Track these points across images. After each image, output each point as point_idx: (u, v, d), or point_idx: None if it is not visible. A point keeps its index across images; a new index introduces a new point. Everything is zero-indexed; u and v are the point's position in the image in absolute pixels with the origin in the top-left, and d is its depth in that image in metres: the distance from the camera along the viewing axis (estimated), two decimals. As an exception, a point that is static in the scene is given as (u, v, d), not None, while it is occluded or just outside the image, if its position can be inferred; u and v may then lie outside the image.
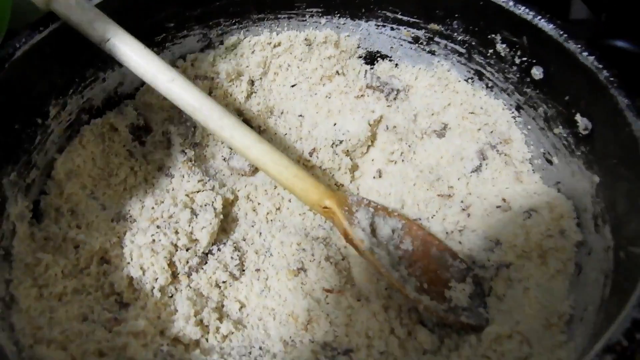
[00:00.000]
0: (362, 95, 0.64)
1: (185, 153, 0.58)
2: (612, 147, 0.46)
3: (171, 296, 0.50)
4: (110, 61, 0.56)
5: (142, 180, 0.57)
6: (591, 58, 0.47)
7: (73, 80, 0.53)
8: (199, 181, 0.56)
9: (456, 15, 0.57)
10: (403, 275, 0.50)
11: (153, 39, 0.58)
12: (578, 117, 0.50)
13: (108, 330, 0.43)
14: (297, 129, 0.63)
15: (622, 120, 0.44)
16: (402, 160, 0.62)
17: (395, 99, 0.63)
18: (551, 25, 0.49)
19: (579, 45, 0.48)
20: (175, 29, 0.59)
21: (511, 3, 0.51)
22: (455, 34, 0.58)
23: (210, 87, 0.61)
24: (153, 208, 0.54)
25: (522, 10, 0.51)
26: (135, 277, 0.49)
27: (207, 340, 0.48)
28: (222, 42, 0.62)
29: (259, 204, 0.59)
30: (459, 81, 0.61)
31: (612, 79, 0.45)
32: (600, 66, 0.46)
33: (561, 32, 0.49)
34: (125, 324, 0.44)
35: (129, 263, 0.49)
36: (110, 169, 0.56)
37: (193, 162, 0.58)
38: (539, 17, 0.50)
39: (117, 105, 0.59)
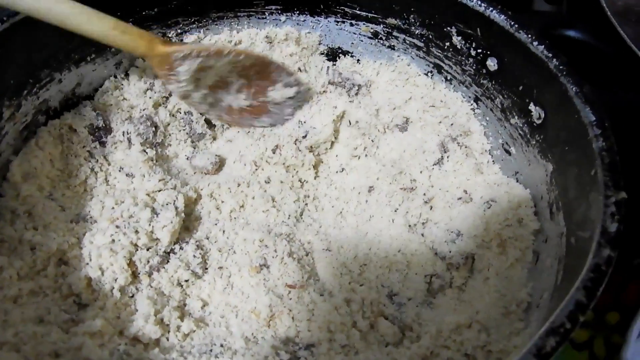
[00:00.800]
0: (324, 92, 0.64)
1: (146, 152, 0.57)
2: (563, 134, 0.47)
3: (132, 296, 0.50)
4: (66, 62, 0.56)
5: (103, 181, 0.56)
6: (541, 47, 0.48)
7: (27, 82, 0.53)
8: (160, 180, 0.56)
9: (412, 9, 0.57)
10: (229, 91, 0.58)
11: (110, 38, 0.57)
12: (532, 106, 0.51)
13: (65, 332, 0.43)
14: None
15: (571, 107, 0.44)
16: (366, 155, 0.62)
17: (357, 94, 0.64)
18: (502, 17, 0.50)
19: (529, 36, 0.48)
20: (133, 29, 0.58)
21: (463, -5, 0.52)
22: (413, 27, 0.59)
23: (172, 86, 0.61)
24: (113, 208, 0.53)
25: (474, 3, 0.52)
26: (93, 277, 0.48)
27: (167, 339, 0.48)
28: (182, 41, 0.62)
29: (222, 202, 0.58)
30: (419, 75, 0.62)
31: (561, 67, 0.46)
32: (550, 55, 0.47)
33: (512, 23, 0.49)
34: (82, 325, 0.43)
35: (87, 264, 0.49)
36: (70, 170, 0.55)
37: (154, 161, 0.58)
38: (491, 8, 0.51)
39: (76, 106, 0.58)
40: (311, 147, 0.62)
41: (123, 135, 0.58)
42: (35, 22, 0.47)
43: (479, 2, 0.52)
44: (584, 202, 0.41)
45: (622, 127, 0.44)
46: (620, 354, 0.47)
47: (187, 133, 0.62)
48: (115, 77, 0.60)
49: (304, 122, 0.63)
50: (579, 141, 0.43)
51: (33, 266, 0.47)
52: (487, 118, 0.58)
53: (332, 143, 0.63)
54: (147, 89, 0.60)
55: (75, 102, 0.58)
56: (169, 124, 0.60)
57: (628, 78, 0.53)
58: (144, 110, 0.59)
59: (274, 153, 0.61)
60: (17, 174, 0.51)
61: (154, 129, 0.59)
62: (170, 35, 0.62)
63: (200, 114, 0.61)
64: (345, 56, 0.66)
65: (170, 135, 0.60)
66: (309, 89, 0.61)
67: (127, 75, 0.61)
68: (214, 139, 0.63)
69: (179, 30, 0.62)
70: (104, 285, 0.48)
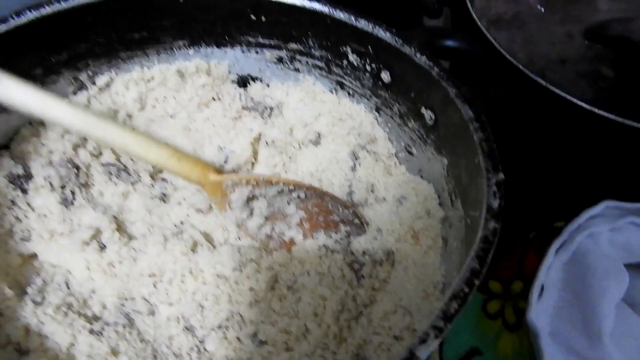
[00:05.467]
0: (239, 117, 0.68)
1: (73, 194, 0.59)
2: (451, 130, 0.53)
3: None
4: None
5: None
6: (423, 58, 0.54)
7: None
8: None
9: (309, 34, 0.62)
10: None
11: (21, 87, 0.58)
12: (423, 110, 0.57)
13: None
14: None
15: (454, 107, 0.51)
16: (285, 172, 0.66)
17: (270, 115, 0.68)
18: (388, 34, 0.56)
19: (412, 48, 0.55)
20: (43, 75, 0.60)
21: (352, 18, 0.58)
22: (313, 50, 0.64)
23: (89, 128, 0.62)
24: (43, 253, 0.54)
25: (362, 24, 0.58)
26: (32, 324, 0.49)
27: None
28: (94, 83, 0.64)
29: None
30: (324, 92, 0.67)
31: (441, 73, 0.53)
32: (431, 64, 0.53)
33: (397, 39, 0.56)
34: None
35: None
36: (-4, 219, 0.55)
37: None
38: (377, 27, 0.57)
39: (-2, 156, 0.58)
40: (234, 169, 0.65)
41: (44, 180, 0.59)
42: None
43: (367, 23, 0.58)
44: (473, 187, 0.48)
45: (496, 117, 0.51)
46: (525, 316, 0.53)
47: (109, 172, 0.63)
48: (31, 124, 0.61)
49: (224, 148, 0.66)
50: (463, 135, 0.50)
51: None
52: (389, 125, 0.64)
53: (253, 164, 0.67)
54: (65, 132, 0.61)
55: (-7, 154, 0.59)
56: (90, 165, 0.62)
57: (499, 77, 0.61)
58: (64, 153, 0.60)
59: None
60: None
61: (75, 170, 0.60)
62: (82, 79, 0.63)
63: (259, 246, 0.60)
64: (255, 82, 0.70)
65: (92, 175, 0.62)
66: (363, 223, 0.60)
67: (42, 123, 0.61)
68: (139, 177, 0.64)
69: (90, 73, 0.64)
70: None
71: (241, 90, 0.70)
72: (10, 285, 0.52)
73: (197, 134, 0.67)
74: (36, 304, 0.51)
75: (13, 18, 0.55)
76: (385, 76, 0.60)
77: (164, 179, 0.64)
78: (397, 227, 0.58)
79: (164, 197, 0.63)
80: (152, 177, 0.64)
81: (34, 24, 0.56)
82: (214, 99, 0.69)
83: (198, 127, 0.67)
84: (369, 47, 0.59)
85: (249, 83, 0.70)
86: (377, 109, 0.64)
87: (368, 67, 0.61)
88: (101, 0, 0.59)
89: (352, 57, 0.62)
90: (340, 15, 0.59)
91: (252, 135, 0.66)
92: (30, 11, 0.56)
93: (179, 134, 0.67)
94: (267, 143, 0.67)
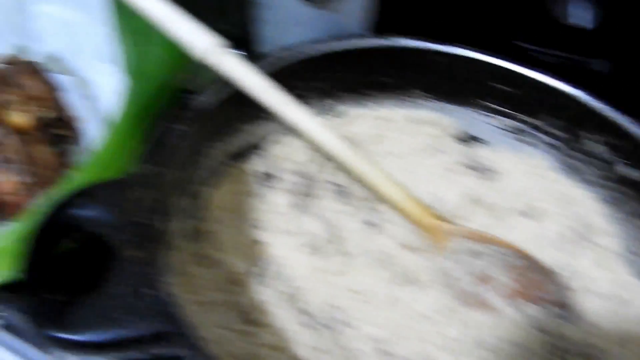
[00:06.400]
0: (457, 171, 0.72)
1: (303, 201, 0.67)
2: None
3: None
4: (247, 118, 0.68)
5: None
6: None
7: (220, 132, 0.65)
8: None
9: (550, 113, 0.65)
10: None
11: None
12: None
13: (242, 340, 0.51)
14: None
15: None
16: (491, 235, 0.68)
17: (486, 178, 0.71)
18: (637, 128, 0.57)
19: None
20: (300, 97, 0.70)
21: (599, 104, 0.59)
22: (546, 126, 0.66)
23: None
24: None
25: (609, 113, 0.59)
26: (256, 299, 0.57)
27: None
28: (341, 112, 0.73)
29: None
30: (550, 169, 0.68)
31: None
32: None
33: (645, 135, 0.56)
34: (255, 338, 0.52)
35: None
36: (241, 205, 0.65)
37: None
38: (627, 120, 0.57)
39: (250, 154, 0.69)
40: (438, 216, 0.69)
41: (284, 183, 0.68)
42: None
43: (616, 113, 0.59)
44: None
45: None
46: None
47: (332, 191, 0.70)
48: (281, 133, 0.71)
49: (435, 195, 0.70)
50: None
51: (213, 281, 0.56)
52: (618, 220, 0.63)
53: (458, 218, 0.70)
54: (309, 148, 0.70)
55: (252, 150, 0.70)
56: (322, 180, 0.69)
57: None
58: (303, 165, 0.69)
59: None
60: (210, 203, 0.62)
61: (309, 182, 0.69)
62: (333, 106, 0.73)
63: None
64: (479, 142, 0.74)
65: (321, 190, 0.69)
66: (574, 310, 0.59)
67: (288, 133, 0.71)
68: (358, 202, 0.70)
69: (342, 103, 0.73)
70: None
71: (464, 147, 0.74)
72: (241, 261, 0.60)
73: (413, 176, 0.72)
74: (260, 283, 0.59)
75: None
76: (625, 170, 0.60)
77: (376, 210, 0.70)
78: (612, 328, 0.57)
79: (373, 225, 0.68)
80: (368, 205, 0.70)
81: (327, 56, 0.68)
82: (437, 150, 0.74)
83: (417, 170, 0.72)
84: (612, 137, 0.60)
85: (472, 142, 0.74)
86: (608, 201, 0.63)
87: (606, 157, 0.61)
88: (376, 47, 0.69)
89: (590, 143, 0.63)
90: (588, 100, 0.61)
91: (464, 192, 0.70)
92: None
93: (397, 173, 0.72)
94: (477, 203, 0.69)
